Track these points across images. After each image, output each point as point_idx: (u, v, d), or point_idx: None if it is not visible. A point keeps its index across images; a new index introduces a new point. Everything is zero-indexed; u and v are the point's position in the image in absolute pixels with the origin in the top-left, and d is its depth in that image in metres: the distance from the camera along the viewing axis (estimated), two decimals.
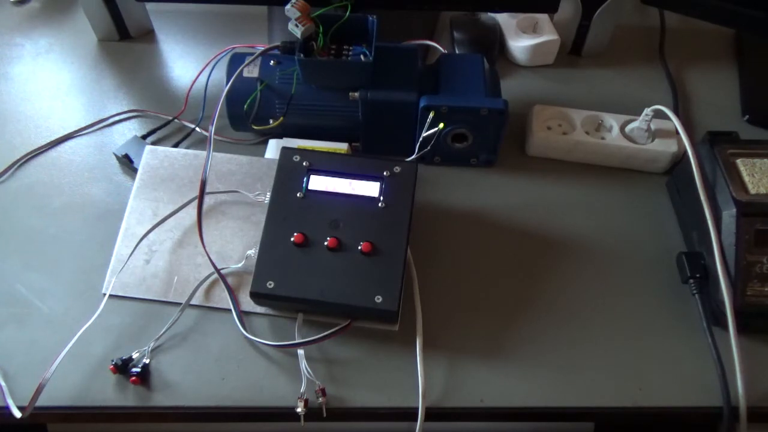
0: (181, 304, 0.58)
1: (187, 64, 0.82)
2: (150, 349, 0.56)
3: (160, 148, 0.68)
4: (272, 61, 0.68)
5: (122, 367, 0.55)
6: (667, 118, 0.67)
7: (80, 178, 0.69)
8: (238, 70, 0.66)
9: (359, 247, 0.56)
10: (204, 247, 0.60)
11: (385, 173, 0.60)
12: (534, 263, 0.64)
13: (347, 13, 0.65)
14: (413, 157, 0.64)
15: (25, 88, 0.79)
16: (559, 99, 0.78)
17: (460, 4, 0.77)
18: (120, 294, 0.60)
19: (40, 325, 0.58)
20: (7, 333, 0.58)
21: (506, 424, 0.86)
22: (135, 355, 0.56)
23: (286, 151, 0.61)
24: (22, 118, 0.75)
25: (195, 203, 0.62)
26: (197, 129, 0.73)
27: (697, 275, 0.60)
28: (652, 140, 0.70)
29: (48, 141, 0.72)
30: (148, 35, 0.85)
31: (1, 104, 0.77)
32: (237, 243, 0.62)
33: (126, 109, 0.76)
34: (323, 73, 0.66)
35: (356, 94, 0.66)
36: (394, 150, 0.68)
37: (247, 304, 0.59)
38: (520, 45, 0.81)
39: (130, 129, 0.74)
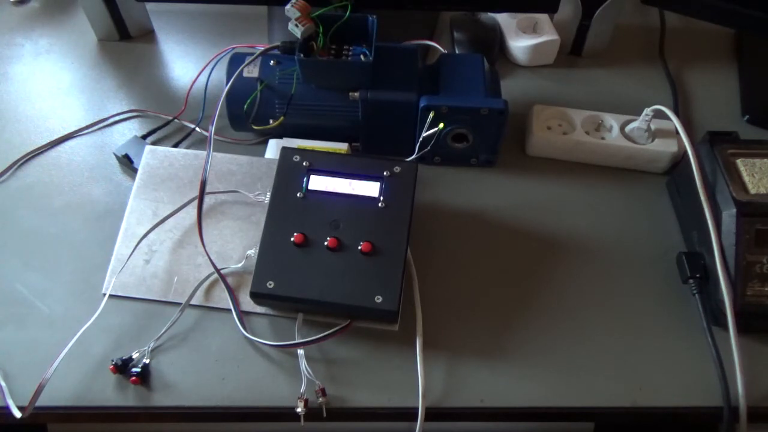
0: (181, 304, 0.58)
1: (187, 64, 0.82)
2: (150, 349, 0.56)
3: (160, 148, 0.68)
4: (272, 61, 0.68)
5: (122, 367, 0.55)
6: (667, 118, 0.67)
7: (80, 178, 0.69)
8: (238, 70, 0.66)
9: (359, 247, 0.56)
10: (204, 247, 0.60)
11: (385, 173, 0.60)
12: (534, 263, 0.64)
13: (347, 13, 0.65)
14: (413, 157, 0.64)
15: (25, 88, 0.79)
16: (559, 99, 0.78)
17: (460, 4, 0.77)
18: (120, 294, 0.60)
19: (40, 325, 0.58)
20: (7, 333, 0.58)
21: (506, 424, 0.86)
22: (135, 355, 0.56)
23: (286, 151, 0.61)
24: (22, 118, 0.75)
25: (195, 203, 0.62)
26: (197, 129, 0.73)
27: (697, 275, 0.60)
28: (652, 140, 0.70)
29: (48, 141, 0.72)
30: (148, 35, 0.85)
31: (1, 104, 0.77)
32: (237, 243, 0.62)
33: (126, 109, 0.76)
34: (323, 73, 0.66)
35: (356, 94, 0.66)
36: (394, 150, 0.68)
37: (247, 304, 0.59)
38: (520, 45, 0.81)
39: (130, 129, 0.74)
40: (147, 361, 0.56)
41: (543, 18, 0.82)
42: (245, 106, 0.67)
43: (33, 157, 0.71)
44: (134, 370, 0.55)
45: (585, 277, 0.63)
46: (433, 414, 0.54)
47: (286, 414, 0.54)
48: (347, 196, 0.59)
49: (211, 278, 0.61)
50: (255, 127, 0.68)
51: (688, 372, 0.57)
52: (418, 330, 0.57)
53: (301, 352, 0.56)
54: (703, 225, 0.59)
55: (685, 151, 0.63)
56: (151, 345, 0.57)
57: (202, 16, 0.88)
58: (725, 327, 0.56)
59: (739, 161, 0.61)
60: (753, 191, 0.58)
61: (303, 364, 0.55)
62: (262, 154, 0.69)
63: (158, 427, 0.83)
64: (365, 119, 0.67)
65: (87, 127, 0.74)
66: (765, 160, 0.60)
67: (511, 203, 0.68)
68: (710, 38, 0.87)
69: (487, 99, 0.66)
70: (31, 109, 0.76)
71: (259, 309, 0.59)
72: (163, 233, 0.63)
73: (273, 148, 0.69)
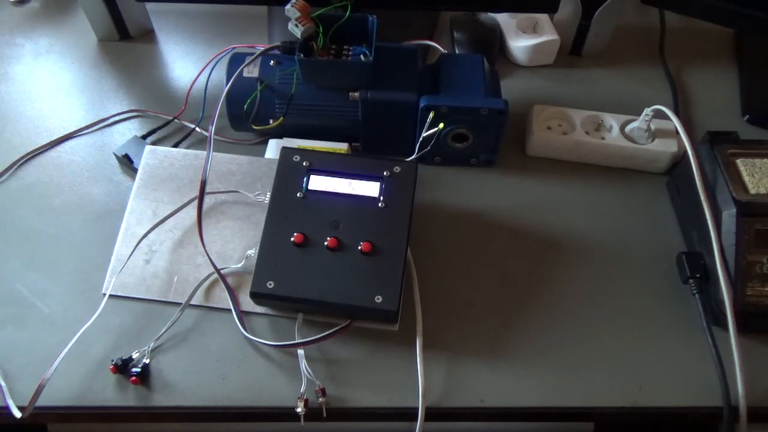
0: (181, 304, 0.58)
1: (187, 64, 0.82)
2: (150, 349, 0.56)
3: (160, 148, 0.68)
4: (272, 61, 0.68)
5: (122, 367, 0.55)
6: (667, 118, 0.67)
7: (80, 178, 0.69)
8: (238, 70, 0.66)
9: (359, 247, 0.56)
10: (204, 247, 0.60)
11: (385, 173, 0.60)
12: (534, 263, 0.64)
13: (347, 13, 0.65)
14: (413, 157, 0.64)
15: (25, 88, 0.79)
16: (559, 99, 0.78)
17: (460, 4, 0.77)
18: (120, 294, 0.60)
19: (40, 325, 0.58)
20: (7, 333, 0.58)
21: (506, 424, 0.86)
22: (135, 355, 0.56)
23: (286, 151, 0.61)
24: (22, 118, 0.75)
25: (195, 203, 0.62)
26: (197, 129, 0.73)
27: (697, 275, 0.60)
28: (652, 140, 0.70)
29: (48, 141, 0.72)
30: (148, 35, 0.85)
31: (1, 104, 0.77)
32: (237, 243, 0.62)
33: (126, 109, 0.76)
34: (323, 73, 0.66)
35: (356, 94, 0.66)
36: (394, 150, 0.68)
37: (247, 304, 0.59)
38: (520, 45, 0.81)
39: (130, 129, 0.74)
40: (147, 361, 0.56)
41: (543, 18, 0.82)
42: (245, 106, 0.67)
43: (33, 157, 0.71)
44: (134, 370, 0.55)
45: (585, 276, 0.63)
46: (433, 414, 0.54)
47: (286, 414, 0.54)
48: (347, 196, 0.59)
49: (211, 278, 0.61)
50: (255, 127, 0.68)
51: (688, 372, 0.57)
52: (418, 330, 0.57)
53: (301, 352, 0.56)
54: (703, 225, 0.59)
55: (685, 151, 0.63)
56: (151, 345, 0.57)
57: (202, 16, 0.88)
58: (725, 327, 0.56)
59: (739, 161, 0.61)
60: (753, 191, 0.58)
61: (303, 364, 0.55)
62: (262, 154, 0.69)
63: (158, 427, 0.82)
64: (365, 119, 0.67)
65: (87, 127, 0.74)
66: (765, 160, 0.60)
67: (511, 203, 0.68)
68: (710, 38, 0.87)
69: (487, 99, 0.66)
70: (31, 109, 0.76)
71: (259, 309, 0.59)
72: (163, 233, 0.63)
73: (273, 148, 0.69)
